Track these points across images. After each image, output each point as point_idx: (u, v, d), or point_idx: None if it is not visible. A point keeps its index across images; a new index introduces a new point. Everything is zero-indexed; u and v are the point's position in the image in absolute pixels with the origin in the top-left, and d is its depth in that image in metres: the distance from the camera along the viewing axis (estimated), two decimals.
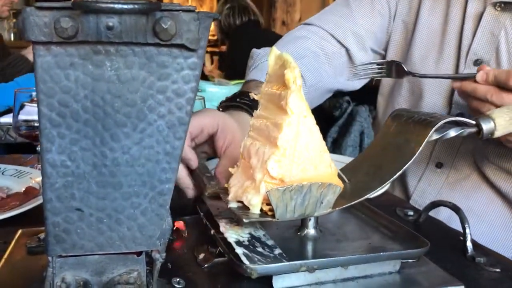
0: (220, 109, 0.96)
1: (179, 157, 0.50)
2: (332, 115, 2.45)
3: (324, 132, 2.26)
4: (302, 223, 0.66)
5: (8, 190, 0.94)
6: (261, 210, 0.60)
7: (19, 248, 0.66)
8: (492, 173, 1.03)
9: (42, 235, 0.67)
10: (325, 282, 0.59)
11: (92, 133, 0.47)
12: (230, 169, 0.67)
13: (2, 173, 1.03)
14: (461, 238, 0.71)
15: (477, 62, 1.01)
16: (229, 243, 0.60)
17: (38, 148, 1.13)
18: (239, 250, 0.58)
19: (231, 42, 2.83)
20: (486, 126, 0.68)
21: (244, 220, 0.58)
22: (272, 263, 0.57)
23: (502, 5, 0.96)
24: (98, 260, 0.51)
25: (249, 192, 0.61)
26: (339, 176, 0.68)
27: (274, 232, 0.66)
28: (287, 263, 0.57)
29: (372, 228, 0.70)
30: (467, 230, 0.69)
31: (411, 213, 0.84)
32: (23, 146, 1.48)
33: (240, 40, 2.77)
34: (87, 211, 0.49)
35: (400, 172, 0.63)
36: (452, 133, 0.66)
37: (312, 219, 0.66)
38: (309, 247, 0.64)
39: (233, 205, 0.62)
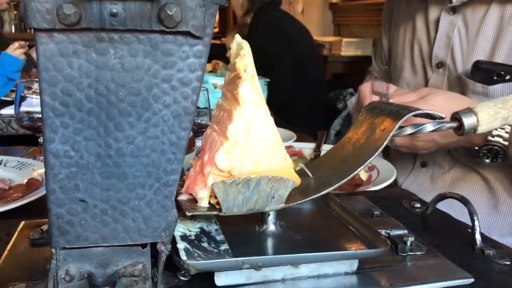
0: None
1: (185, 147, 0.49)
2: (335, 107, 2.44)
3: (328, 124, 2.25)
4: (262, 218, 0.63)
5: (10, 181, 0.94)
6: (210, 203, 0.58)
7: (21, 240, 0.65)
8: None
9: (45, 227, 0.67)
10: (273, 281, 0.56)
11: (96, 122, 0.46)
12: (190, 161, 0.65)
13: (4, 165, 1.02)
14: (469, 230, 0.70)
15: (439, 65, 1.09)
16: (174, 237, 0.57)
17: (40, 140, 1.12)
18: (181, 245, 0.55)
19: (256, 21, 2.68)
20: (467, 121, 0.64)
21: (187, 213, 0.56)
22: (212, 259, 0.53)
23: (453, 9, 1.06)
24: (102, 252, 0.50)
25: (198, 184, 0.58)
26: (302, 170, 0.66)
27: (232, 227, 0.62)
28: (228, 259, 0.54)
29: (339, 226, 0.67)
30: (476, 223, 0.68)
31: (418, 205, 0.83)
32: (25, 138, 1.47)
33: (262, 21, 2.65)
34: (91, 203, 0.48)
35: (361, 168, 0.60)
36: (430, 127, 0.63)
37: (272, 214, 0.63)
38: (263, 243, 0.61)
39: (182, 197, 0.60)
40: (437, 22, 1.08)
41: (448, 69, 1.06)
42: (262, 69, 2.50)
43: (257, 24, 2.57)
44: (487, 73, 0.97)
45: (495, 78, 0.95)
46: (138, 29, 0.44)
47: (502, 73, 0.94)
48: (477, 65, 0.99)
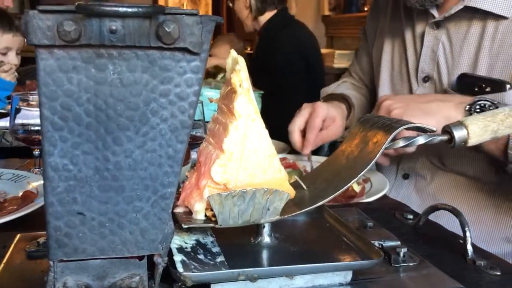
0: (322, 100, 1.34)
1: (182, 160, 0.50)
2: None
3: None
4: (257, 230, 0.64)
5: (5, 194, 0.93)
6: (206, 215, 0.59)
7: (18, 253, 0.65)
8: (452, 164, 1.09)
9: (41, 240, 0.67)
10: None
11: (94, 136, 0.47)
12: (186, 173, 0.66)
13: None
14: (461, 241, 0.71)
15: (425, 79, 1.12)
16: (170, 249, 0.57)
17: (35, 152, 1.12)
18: (177, 257, 0.56)
19: (282, 38, 2.57)
20: (458, 134, 0.66)
21: (184, 226, 0.57)
22: (208, 271, 0.54)
23: (437, 24, 1.08)
24: (100, 264, 0.51)
25: (193, 197, 0.59)
26: (297, 183, 0.67)
27: (227, 239, 0.63)
28: (224, 271, 0.55)
29: (333, 238, 0.67)
30: (467, 234, 0.69)
31: (410, 216, 0.84)
32: (19, 150, 1.47)
33: (291, 41, 2.56)
34: (89, 215, 0.49)
35: (355, 180, 0.61)
36: (421, 140, 0.64)
37: (267, 226, 0.63)
38: (259, 255, 0.62)
39: (179, 210, 0.60)
40: (422, 36, 1.11)
41: (434, 83, 1.09)
42: (274, 82, 2.45)
43: (284, 42, 2.50)
44: (469, 85, 1.01)
45: (476, 89, 0.99)
46: (137, 46, 0.45)
47: (483, 85, 0.99)
48: (461, 77, 1.03)
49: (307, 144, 1.10)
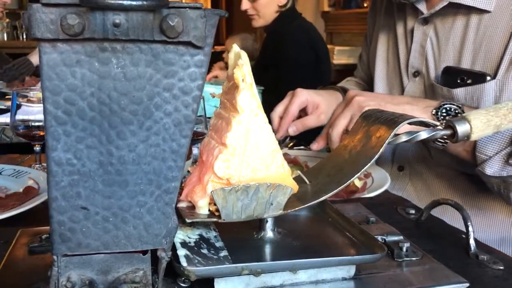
0: (319, 88, 1.33)
1: (185, 155, 0.50)
2: None
3: (318, 131, 2.27)
4: (260, 225, 0.64)
5: (6, 190, 0.93)
6: (209, 210, 0.59)
7: (20, 248, 0.65)
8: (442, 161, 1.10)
9: (44, 235, 0.67)
10: (271, 287, 0.57)
11: (98, 131, 0.47)
12: (189, 168, 0.66)
13: (0, 173, 1.02)
14: (463, 236, 0.71)
15: (415, 74, 1.14)
16: (174, 244, 0.57)
17: (36, 148, 1.12)
18: (181, 252, 0.56)
19: (293, 30, 2.55)
20: (461, 128, 0.66)
21: (187, 220, 0.57)
22: (212, 266, 0.55)
23: (425, 19, 1.11)
24: (103, 259, 0.51)
25: (196, 193, 0.59)
26: (299, 177, 0.67)
27: (230, 234, 0.63)
28: (228, 265, 0.55)
29: (336, 232, 0.68)
30: (470, 228, 0.69)
31: (412, 211, 0.84)
32: (19, 146, 1.46)
33: (304, 34, 2.55)
34: (93, 210, 0.49)
35: (358, 174, 0.61)
36: (424, 134, 0.64)
37: (270, 221, 0.64)
38: (262, 249, 0.62)
39: (182, 204, 0.60)
40: (412, 32, 1.14)
41: (423, 77, 1.11)
42: (280, 77, 2.44)
43: (295, 33, 2.50)
44: (453, 78, 1.03)
45: (458, 81, 1.02)
46: (140, 39, 0.45)
47: (465, 77, 1.01)
48: (446, 70, 1.06)
49: (279, 129, 1.11)
